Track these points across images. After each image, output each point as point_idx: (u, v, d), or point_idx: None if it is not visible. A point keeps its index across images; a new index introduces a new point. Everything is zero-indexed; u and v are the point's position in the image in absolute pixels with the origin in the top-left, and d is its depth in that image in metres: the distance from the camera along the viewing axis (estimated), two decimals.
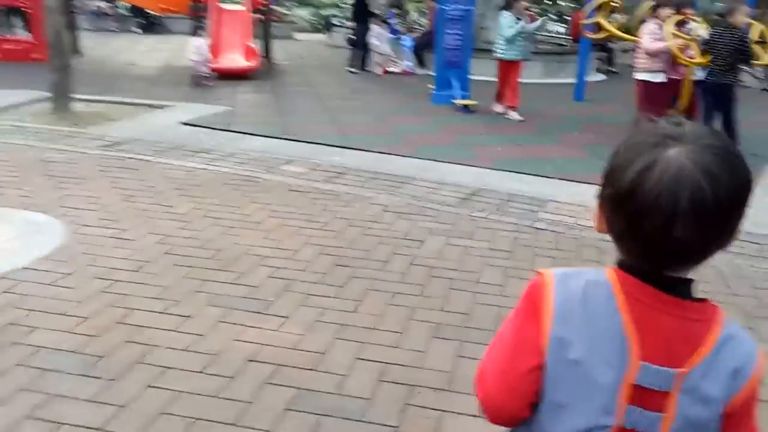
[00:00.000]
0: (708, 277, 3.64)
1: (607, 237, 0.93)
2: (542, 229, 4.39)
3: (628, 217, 0.86)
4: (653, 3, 6.91)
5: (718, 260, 3.89)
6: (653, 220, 0.83)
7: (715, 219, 0.83)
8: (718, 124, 6.29)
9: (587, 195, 5.09)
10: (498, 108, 8.34)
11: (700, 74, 6.85)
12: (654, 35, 6.43)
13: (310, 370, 2.61)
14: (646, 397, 0.91)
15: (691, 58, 6.51)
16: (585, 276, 0.95)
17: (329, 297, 3.23)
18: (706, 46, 6.32)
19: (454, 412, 2.39)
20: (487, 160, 6.13)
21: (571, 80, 10.29)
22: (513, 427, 1.03)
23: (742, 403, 0.92)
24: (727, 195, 0.83)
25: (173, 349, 2.70)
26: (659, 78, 6.51)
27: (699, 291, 0.93)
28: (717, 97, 6.33)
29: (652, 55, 6.43)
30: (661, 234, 0.83)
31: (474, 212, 4.64)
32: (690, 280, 0.92)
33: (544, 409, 0.97)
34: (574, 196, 5.06)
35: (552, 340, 0.93)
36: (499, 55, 8.07)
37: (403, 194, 4.96)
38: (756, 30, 6.58)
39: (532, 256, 3.92)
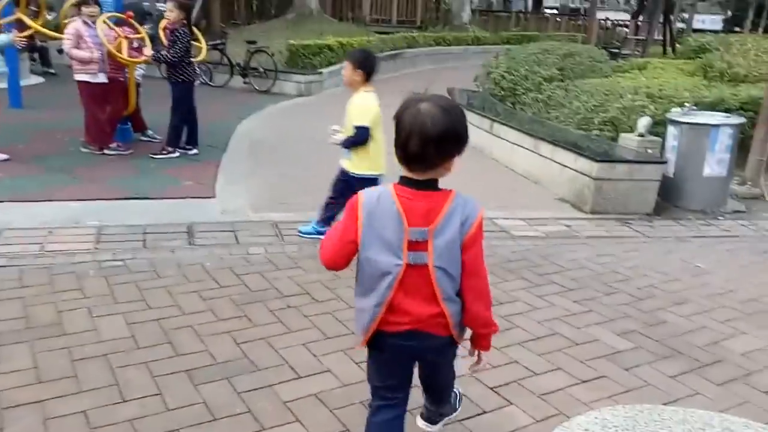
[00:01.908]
0: (196, 275, 3.73)
1: None
2: (1, 266, 3.72)
3: (396, 137, 1.68)
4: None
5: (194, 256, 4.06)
6: (400, 138, 1.66)
7: (432, 142, 1.63)
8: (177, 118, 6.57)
9: (50, 215, 4.59)
10: None
11: (140, 72, 6.94)
12: (75, 37, 6.13)
13: None
14: (416, 246, 1.71)
15: (138, 56, 6.51)
16: (379, 189, 1.76)
17: None
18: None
19: None
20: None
21: (2, 85, 9.03)
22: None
23: (471, 237, 1.72)
24: (440, 130, 1.63)
25: None
26: (100, 78, 6.29)
27: None
28: (175, 92, 6.53)
29: (80, 59, 6.15)
30: (404, 147, 1.66)
31: None
32: (434, 180, 1.72)
33: (362, 262, 1.77)
34: (35, 218, 4.48)
35: (364, 224, 1.73)
36: None
37: None
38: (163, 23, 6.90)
39: None
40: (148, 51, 6.52)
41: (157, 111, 7.23)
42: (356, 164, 4.08)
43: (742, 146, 6.04)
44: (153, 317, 3.22)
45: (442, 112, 1.63)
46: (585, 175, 5.46)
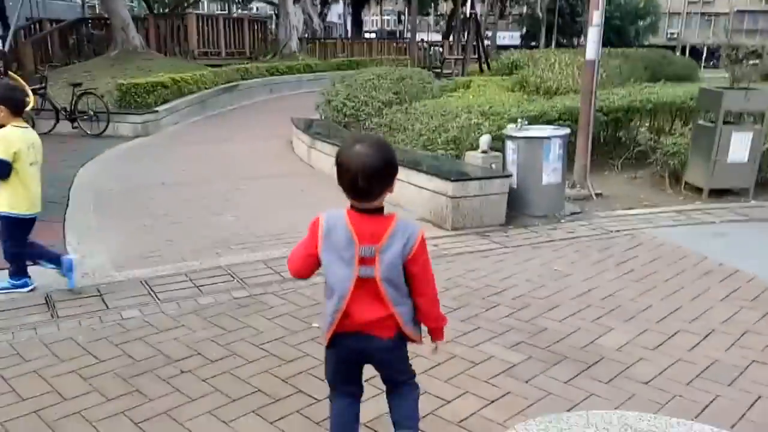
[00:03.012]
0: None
1: None
2: None
3: (341, 177, 2.00)
4: None
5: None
6: (345, 177, 1.98)
7: (374, 177, 1.96)
8: None
9: None
10: None
11: None
12: None
13: None
14: (366, 261, 2.03)
15: None
16: (335, 212, 2.07)
17: None
18: None
19: None
20: None
21: None
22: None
23: (415, 254, 2.05)
24: (379, 166, 1.96)
25: None
26: None
27: None
28: None
29: None
30: (352, 184, 1.98)
31: None
32: (380, 207, 2.06)
33: (325, 269, 2.09)
34: None
35: (323, 239, 2.06)
36: None
37: None
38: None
39: None
40: None
41: None
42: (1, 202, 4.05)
43: (567, 153, 6.78)
44: (29, 409, 2.89)
45: (376, 150, 1.98)
46: (442, 194, 5.79)
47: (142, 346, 3.52)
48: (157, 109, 11.79)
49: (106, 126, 11.02)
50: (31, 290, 4.30)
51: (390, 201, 6.65)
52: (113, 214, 6.28)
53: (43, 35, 17.92)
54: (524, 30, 44.74)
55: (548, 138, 6.18)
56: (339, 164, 2.01)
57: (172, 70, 13.79)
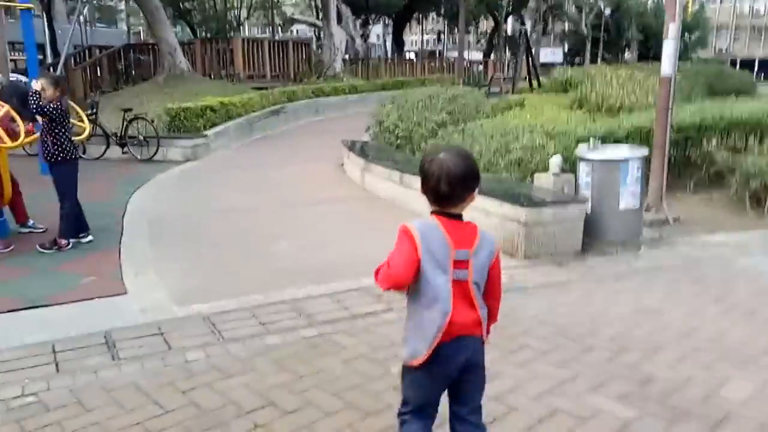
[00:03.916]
0: None
1: None
2: None
3: (425, 183, 2.12)
4: None
5: None
6: (430, 183, 2.10)
7: (458, 182, 2.07)
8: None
9: None
10: None
11: None
12: None
13: None
14: (460, 264, 2.11)
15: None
16: (425, 220, 2.13)
17: None
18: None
19: None
20: None
21: None
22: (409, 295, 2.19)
23: (497, 260, 2.20)
24: (461, 173, 2.07)
25: None
26: None
27: None
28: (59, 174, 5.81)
29: None
30: (436, 189, 2.09)
31: None
32: (460, 215, 2.15)
33: (422, 279, 2.10)
34: None
35: (421, 245, 2.07)
36: None
37: None
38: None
39: None
40: (21, 130, 5.81)
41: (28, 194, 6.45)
42: None
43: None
44: None
45: (460, 158, 2.10)
46: (513, 220, 5.44)
47: (209, 394, 3.25)
48: (206, 133, 11.74)
49: (156, 151, 10.99)
50: None
51: None
52: (169, 243, 6.10)
53: (92, 61, 18.29)
54: (567, 47, 44.15)
55: (626, 160, 5.78)
56: (424, 171, 2.12)
57: (219, 93, 13.81)
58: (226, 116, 12.72)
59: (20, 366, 3.57)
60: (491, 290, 2.21)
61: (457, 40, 27.63)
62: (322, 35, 25.21)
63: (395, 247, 2.10)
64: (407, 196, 7.13)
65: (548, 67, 21.07)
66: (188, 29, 31.39)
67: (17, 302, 4.54)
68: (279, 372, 3.46)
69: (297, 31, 43.91)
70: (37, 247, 5.73)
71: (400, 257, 2.08)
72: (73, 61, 18.18)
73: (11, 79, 12.15)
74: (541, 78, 16.77)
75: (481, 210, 5.81)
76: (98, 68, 18.26)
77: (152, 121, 11.19)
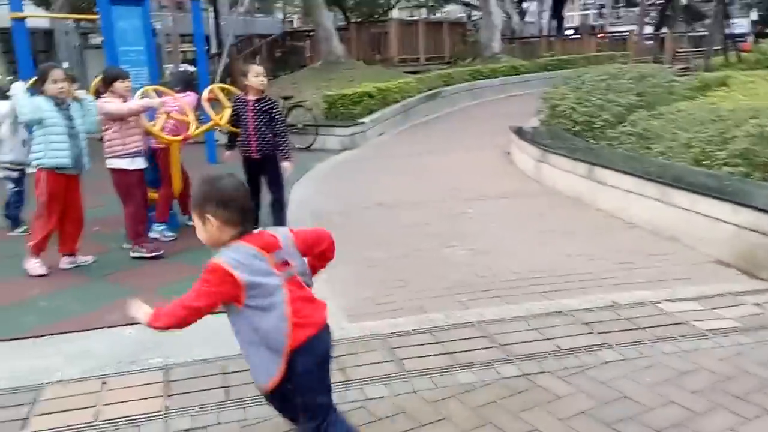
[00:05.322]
0: None
1: None
2: None
3: (230, 208, 2.17)
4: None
5: None
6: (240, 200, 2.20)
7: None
8: None
9: (100, 352, 3.57)
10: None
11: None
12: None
13: None
14: (281, 265, 2.21)
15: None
16: (236, 248, 2.17)
17: None
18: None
19: None
20: None
21: None
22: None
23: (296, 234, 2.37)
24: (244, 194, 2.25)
25: None
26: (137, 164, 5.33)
27: None
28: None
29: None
30: (243, 206, 2.19)
31: None
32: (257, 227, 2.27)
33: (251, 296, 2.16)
34: (82, 360, 3.46)
35: (243, 275, 2.11)
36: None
37: None
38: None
39: None
40: (192, 125, 5.64)
41: None
42: None
43: None
44: None
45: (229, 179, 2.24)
46: (755, 231, 4.32)
47: None
48: (363, 120, 11.39)
49: (314, 139, 10.82)
50: None
51: (663, 233, 4.83)
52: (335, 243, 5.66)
53: (252, 50, 18.79)
54: (756, 15, 39.07)
55: None
56: (225, 197, 2.20)
57: (373, 78, 13.44)
58: (383, 102, 12.30)
59: (193, 388, 3.21)
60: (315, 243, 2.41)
61: (619, 15, 25.24)
62: (471, 16, 24.20)
63: (196, 290, 2.17)
64: (598, 192, 6.15)
65: (734, 39, 18.39)
66: (341, 14, 31.74)
67: None
68: (479, 426, 2.78)
69: (448, 11, 42.98)
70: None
71: (205, 296, 2.16)
72: (234, 50, 18.79)
73: (180, 68, 12.67)
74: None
75: (704, 215, 4.74)
76: (258, 57, 18.73)
77: (310, 109, 11.03)
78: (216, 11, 24.17)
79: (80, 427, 2.88)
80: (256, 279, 2.11)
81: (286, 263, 2.20)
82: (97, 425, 2.90)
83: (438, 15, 37.16)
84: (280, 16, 32.68)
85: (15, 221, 6.25)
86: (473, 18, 23.54)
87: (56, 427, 2.89)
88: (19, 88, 4.69)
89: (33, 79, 5.18)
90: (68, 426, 2.89)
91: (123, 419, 2.93)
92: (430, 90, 14.38)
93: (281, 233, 2.26)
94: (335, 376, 3.26)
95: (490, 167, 8.81)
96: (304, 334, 2.17)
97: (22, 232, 6.05)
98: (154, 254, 5.27)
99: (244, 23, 21.86)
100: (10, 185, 6.26)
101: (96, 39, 24.01)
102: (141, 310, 2.22)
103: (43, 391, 3.16)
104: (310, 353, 2.18)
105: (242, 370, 3.35)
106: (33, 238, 4.96)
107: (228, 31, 19.07)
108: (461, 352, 3.46)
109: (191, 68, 10.40)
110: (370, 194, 7.53)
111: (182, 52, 23.90)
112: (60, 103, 4.70)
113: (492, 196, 7.17)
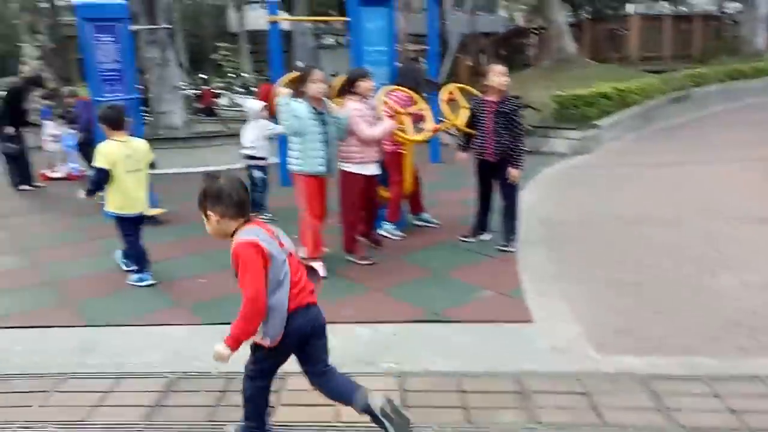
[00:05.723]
0: None
1: None
2: None
3: (225, 203, 2.43)
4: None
5: None
6: (233, 195, 2.45)
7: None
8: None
9: (334, 349, 3.57)
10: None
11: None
12: (364, 116, 5.13)
13: None
14: (280, 245, 2.49)
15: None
16: (248, 229, 2.44)
17: None
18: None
19: None
20: (184, 311, 4.26)
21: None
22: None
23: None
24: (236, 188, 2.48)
25: None
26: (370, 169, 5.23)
27: None
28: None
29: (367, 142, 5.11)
30: (235, 199, 2.44)
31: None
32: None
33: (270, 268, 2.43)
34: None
35: (267, 247, 2.40)
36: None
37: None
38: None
39: None
40: (428, 124, 5.54)
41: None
42: (107, 203, 4.71)
43: None
44: None
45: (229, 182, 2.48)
46: None
47: None
48: (598, 123, 10.55)
49: (543, 142, 10.28)
50: (149, 285, 4.73)
51: None
52: (570, 258, 5.18)
53: (478, 48, 18.61)
54: None
55: None
56: (220, 192, 2.47)
57: (607, 78, 12.40)
58: (622, 104, 11.28)
59: (428, 402, 3.04)
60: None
61: None
62: (723, 8, 21.40)
63: (247, 269, 2.40)
64: None
65: None
66: (569, 11, 30.28)
67: (418, 312, 4.14)
68: None
69: (693, 4, 38.79)
70: (459, 237, 5.69)
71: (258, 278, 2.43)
72: (461, 48, 18.79)
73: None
74: None
75: None
76: (483, 55, 18.53)
77: (539, 110, 10.48)
78: (441, 10, 24.47)
79: (323, 427, 2.84)
80: (274, 251, 2.40)
81: (281, 244, 2.49)
82: (336, 426, 2.85)
83: (681, 8, 33.74)
84: (503, 13, 32.15)
85: (259, 206, 6.60)
86: (726, 11, 20.77)
87: (300, 421, 2.89)
88: (282, 101, 4.72)
89: (286, 76, 5.41)
90: (312, 423, 2.87)
91: (352, 426, 2.83)
92: (676, 91, 12.91)
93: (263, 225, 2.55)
94: (584, 412, 2.88)
95: (754, 183, 7.54)
96: (304, 299, 2.51)
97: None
98: (363, 263, 5.19)
99: (468, 21, 21.75)
100: (258, 173, 6.69)
101: (328, 40, 25.61)
102: (219, 347, 2.40)
103: (285, 382, 3.19)
104: (304, 316, 2.52)
105: (482, 392, 3.10)
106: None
107: (452, 29, 19.14)
108: (748, 412, 2.84)
109: (419, 65, 10.45)
110: (607, 205, 6.86)
111: (410, 50, 24.62)
112: (316, 110, 4.72)
113: (762, 217, 6.07)
